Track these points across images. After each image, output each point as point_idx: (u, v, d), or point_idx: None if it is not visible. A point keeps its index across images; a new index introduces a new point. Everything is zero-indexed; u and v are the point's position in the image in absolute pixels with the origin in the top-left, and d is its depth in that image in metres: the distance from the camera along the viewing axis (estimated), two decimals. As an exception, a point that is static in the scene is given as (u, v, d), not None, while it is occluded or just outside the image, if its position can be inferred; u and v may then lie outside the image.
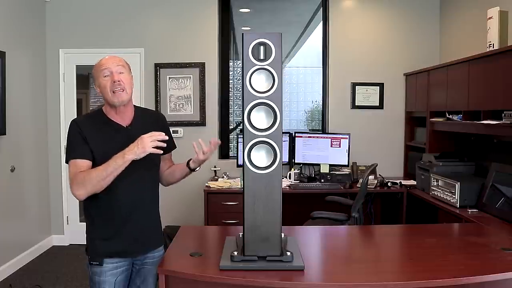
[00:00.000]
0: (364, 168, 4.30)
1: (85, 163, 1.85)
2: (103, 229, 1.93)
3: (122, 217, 1.92)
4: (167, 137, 1.83)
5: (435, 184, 3.50)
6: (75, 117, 4.62)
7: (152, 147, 1.79)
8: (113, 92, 1.87)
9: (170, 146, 2.09)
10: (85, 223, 2.01)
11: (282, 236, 1.82)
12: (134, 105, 2.02)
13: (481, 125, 3.12)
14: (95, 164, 1.86)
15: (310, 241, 2.32)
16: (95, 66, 1.94)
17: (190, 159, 2.07)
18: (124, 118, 1.96)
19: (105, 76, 1.88)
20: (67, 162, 1.90)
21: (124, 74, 1.91)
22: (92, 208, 1.93)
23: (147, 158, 1.90)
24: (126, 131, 1.94)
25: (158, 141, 1.80)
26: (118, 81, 1.87)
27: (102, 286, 1.91)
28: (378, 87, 4.67)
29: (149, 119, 2.07)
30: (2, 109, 3.71)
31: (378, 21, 4.68)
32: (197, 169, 2.08)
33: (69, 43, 4.61)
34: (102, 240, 1.92)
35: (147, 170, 1.97)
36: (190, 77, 4.62)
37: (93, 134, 1.89)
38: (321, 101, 4.91)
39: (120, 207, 1.91)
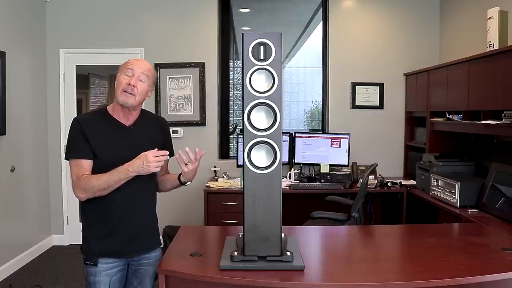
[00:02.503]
0: (364, 168, 4.30)
1: (86, 163, 1.87)
2: (98, 228, 1.93)
3: (117, 216, 1.92)
4: (168, 158, 1.84)
5: (435, 184, 3.50)
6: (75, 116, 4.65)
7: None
8: (123, 91, 1.88)
9: (168, 153, 2.10)
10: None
11: (282, 236, 1.82)
12: (141, 109, 2.03)
13: (481, 125, 3.12)
14: (96, 161, 1.88)
15: (310, 241, 2.32)
16: (124, 63, 1.96)
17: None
18: (128, 119, 1.97)
19: (126, 75, 1.90)
20: (67, 159, 1.92)
21: (143, 83, 1.92)
22: (88, 207, 1.94)
23: None
24: (128, 130, 1.96)
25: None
26: (133, 86, 1.88)
27: (97, 286, 1.92)
28: (378, 87, 4.67)
29: (152, 122, 2.08)
30: (2, 109, 3.71)
31: (378, 21, 4.68)
32: (187, 183, 2.04)
33: (69, 43, 4.61)
34: (96, 240, 1.92)
35: None
36: (190, 77, 4.62)
37: (95, 132, 1.90)
38: (321, 101, 4.91)
39: (116, 206, 1.91)
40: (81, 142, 1.87)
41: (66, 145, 1.95)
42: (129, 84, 1.88)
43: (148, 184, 2.03)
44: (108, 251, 1.92)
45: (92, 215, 1.94)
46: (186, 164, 1.93)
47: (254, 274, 1.72)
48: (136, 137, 1.95)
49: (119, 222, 1.92)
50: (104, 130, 1.92)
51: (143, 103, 2.00)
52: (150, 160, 1.78)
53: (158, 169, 1.82)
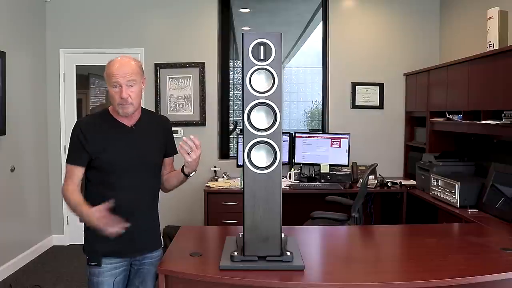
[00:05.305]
0: (364, 168, 4.30)
1: (77, 170, 1.92)
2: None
3: (120, 216, 1.91)
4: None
5: (435, 184, 3.49)
6: (76, 117, 4.68)
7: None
8: (119, 104, 1.88)
9: (171, 151, 2.11)
10: (84, 223, 2.01)
11: (282, 236, 1.82)
12: (142, 108, 2.03)
13: (481, 125, 3.12)
14: (98, 162, 1.89)
15: (310, 241, 2.32)
16: (106, 68, 1.90)
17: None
18: (129, 119, 1.97)
19: (114, 87, 1.87)
20: (66, 161, 1.97)
21: (134, 87, 1.89)
22: (91, 205, 1.93)
23: (148, 160, 1.96)
24: (131, 130, 1.96)
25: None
26: (126, 97, 1.86)
27: (100, 287, 1.92)
28: (378, 87, 4.67)
29: (154, 121, 2.08)
30: (2, 109, 3.70)
31: (378, 21, 4.67)
32: (191, 174, 2.02)
33: (69, 43, 4.61)
34: (99, 240, 1.91)
35: (147, 172, 1.99)
36: (190, 77, 4.62)
37: (97, 135, 1.91)
38: (321, 101, 4.91)
39: (119, 206, 1.90)
40: (78, 149, 1.90)
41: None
42: (122, 98, 1.85)
43: (151, 183, 2.03)
44: (112, 251, 1.92)
45: None
46: (188, 154, 1.91)
47: (254, 274, 1.73)
48: (138, 138, 1.96)
49: (122, 221, 1.92)
50: (106, 132, 1.93)
51: (141, 99, 1.99)
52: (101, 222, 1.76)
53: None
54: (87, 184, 1.96)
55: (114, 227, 1.77)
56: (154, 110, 4.53)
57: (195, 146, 1.91)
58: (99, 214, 1.76)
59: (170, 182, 2.12)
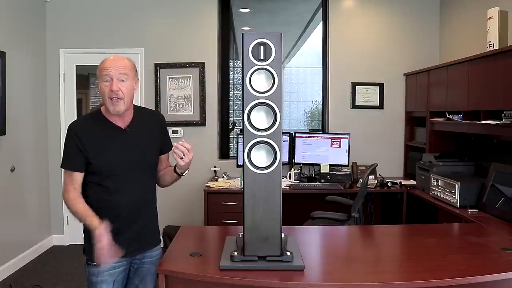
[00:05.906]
0: (364, 168, 4.31)
1: (76, 175, 1.90)
2: None
3: (120, 217, 1.91)
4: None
5: (435, 184, 3.49)
6: (76, 117, 4.67)
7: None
8: (109, 99, 1.85)
9: (167, 147, 2.10)
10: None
11: (282, 236, 1.82)
12: (134, 105, 2.00)
13: (481, 125, 3.12)
14: (94, 166, 1.88)
15: (310, 241, 2.32)
16: (99, 65, 1.89)
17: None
18: (123, 120, 1.95)
19: (105, 81, 1.84)
20: (61, 167, 1.93)
21: (125, 82, 1.86)
22: (91, 208, 1.92)
23: (145, 160, 1.96)
24: (124, 132, 1.94)
25: None
26: (117, 90, 1.83)
27: (99, 286, 1.91)
28: (378, 87, 4.67)
29: (148, 120, 2.05)
30: (2, 109, 3.70)
31: (378, 21, 4.67)
32: (184, 173, 2.01)
33: (69, 43, 4.61)
34: None
35: (145, 171, 1.99)
36: (190, 77, 4.62)
37: (91, 138, 1.89)
38: (321, 101, 4.91)
39: (119, 207, 1.91)
40: (74, 153, 1.88)
41: (63, 150, 1.95)
42: (112, 91, 1.83)
43: (148, 183, 2.03)
44: None
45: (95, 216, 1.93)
46: (181, 158, 1.90)
47: (254, 274, 1.73)
48: (133, 139, 1.94)
49: (122, 222, 1.92)
50: (100, 136, 1.91)
51: (133, 99, 1.96)
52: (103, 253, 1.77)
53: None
54: (84, 187, 1.93)
55: (109, 257, 1.76)
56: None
57: (187, 150, 1.90)
58: (105, 236, 1.76)
59: (164, 178, 2.11)
